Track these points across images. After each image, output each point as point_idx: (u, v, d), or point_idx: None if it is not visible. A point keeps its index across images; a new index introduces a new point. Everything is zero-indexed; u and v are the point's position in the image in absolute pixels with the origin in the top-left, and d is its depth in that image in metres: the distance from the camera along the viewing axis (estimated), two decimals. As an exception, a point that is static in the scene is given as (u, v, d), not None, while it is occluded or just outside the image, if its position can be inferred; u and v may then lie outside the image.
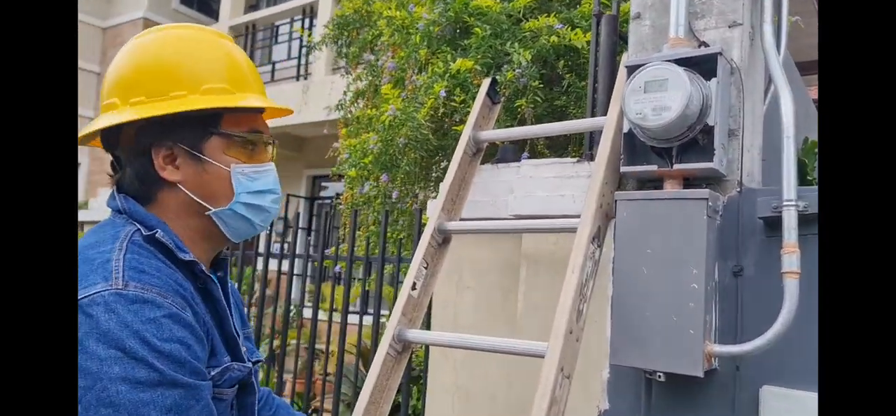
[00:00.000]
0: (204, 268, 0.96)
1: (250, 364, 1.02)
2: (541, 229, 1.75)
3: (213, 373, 0.92)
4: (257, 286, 3.32)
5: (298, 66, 9.09)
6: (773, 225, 1.44)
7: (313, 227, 9.72)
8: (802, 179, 2.80)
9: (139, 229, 0.92)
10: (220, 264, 1.08)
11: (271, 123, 1.14)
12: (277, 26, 9.79)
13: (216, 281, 1.00)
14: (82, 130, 0.96)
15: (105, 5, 11.56)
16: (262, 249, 3.19)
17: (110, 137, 0.97)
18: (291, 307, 5.08)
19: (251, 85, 1.01)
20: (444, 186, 1.91)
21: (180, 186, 0.97)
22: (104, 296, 0.80)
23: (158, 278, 0.86)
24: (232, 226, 1.03)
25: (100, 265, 0.84)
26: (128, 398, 0.77)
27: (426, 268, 1.85)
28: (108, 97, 0.95)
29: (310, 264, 3.14)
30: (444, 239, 1.89)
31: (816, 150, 2.91)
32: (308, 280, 4.51)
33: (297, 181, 9.96)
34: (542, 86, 2.25)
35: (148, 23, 11.02)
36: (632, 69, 1.57)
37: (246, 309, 1.29)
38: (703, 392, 1.51)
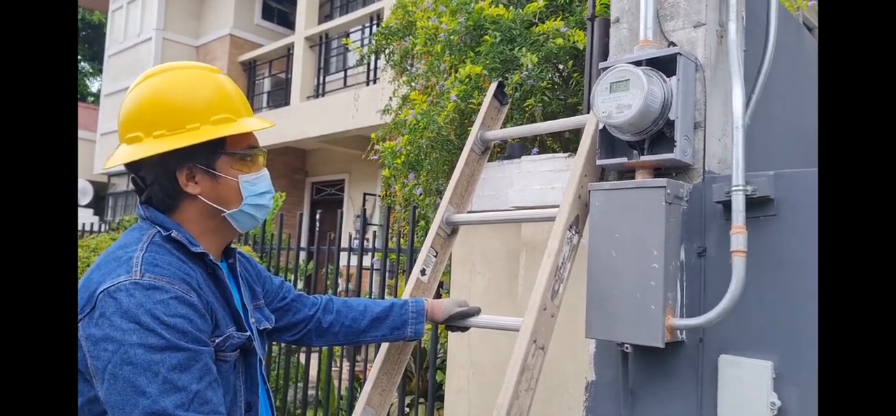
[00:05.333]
0: (213, 258, 1.24)
1: (249, 333, 1.28)
2: (527, 219, 1.94)
3: (216, 341, 1.18)
4: (341, 281, 3.65)
5: (368, 71, 9.55)
6: (730, 208, 1.57)
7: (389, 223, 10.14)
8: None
9: (159, 231, 1.21)
10: (229, 252, 1.36)
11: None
12: (349, 33, 10.29)
13: (223, 268, 1.29)
14: (114, 159, 1.25)
15: (195, 24, 12.54)
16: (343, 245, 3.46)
17: (135, 162, 1.24)
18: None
19: (242, 109, 1.29)
20: (452, 182, 2.14)
21: (200, 197, 1.25)
22: (126, 284, 1.08)
23: (168, 270, 1.13)
24: (241, 222, 1.31)
25: (124, 262, 1.12)
26: (143, 358, 1.04)
27: (435, 256, 2.08)
28: (130, 131, 1.22)
29: (379, 259, 3.40)
30: (452, 230, 2.11)
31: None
32: (387, 275, 4.81)
33: (372, 181, 10.43)
34: (549, 86, 2.42)
35: (234, 39, 11.86)
36: (603, 71, 1.73)
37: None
38: (672, 362, 1.66)
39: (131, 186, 1.32)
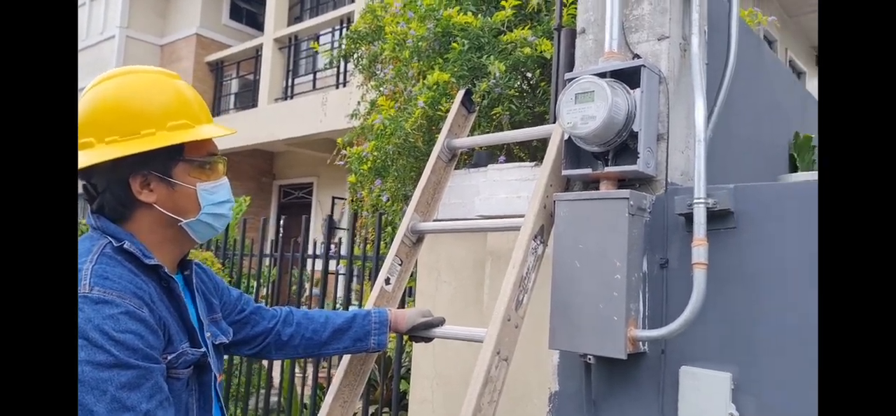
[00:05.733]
0: (167, 271, 1.20)
1: (204, 349, 1.24)
2: (493, 228, 1.93)
3: (169, 358, 1.14)
4: (307, 286, 3.60)
5: (337, 74, 9.48)
6: (692, 220, 1.58)
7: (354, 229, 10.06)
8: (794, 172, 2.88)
9: (111, 242, 1.16)
10: (185, 264, 1.32)
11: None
12: (319, 36, 10.20)
13: (179, 280, 1.25)
14: None
15: (161, 23, 12.27)
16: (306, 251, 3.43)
17: (86, 169, 1.18)
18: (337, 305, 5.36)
19: (201, 115, 1.25)
20: (418, 190, 2.12)
21: (155, 206, 1.20)
22: None
23: (119, 283, 1.09)
24: (198, 231, 1.27)
25: None
26: (91, 375, 1.00)
27: (400, 264, 2.06)
28: (82, 136, 1.16)
29: (345, 265, 3.38)
30: (417, 238, 2.09)
31: (811, 144, 2.97)
32: (354, 280, 4.77)
33: (342, 184, 10.33)
34: (517, 95, 2.42)
35: (201, 39, 11.64)
36: (569, 82, 1.73)
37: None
38: (635, 373, 1.66)
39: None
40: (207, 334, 1.31)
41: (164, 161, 1.20)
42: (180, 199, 1.22)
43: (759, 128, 2.48)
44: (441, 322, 1.77)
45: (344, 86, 8.85)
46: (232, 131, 1.30)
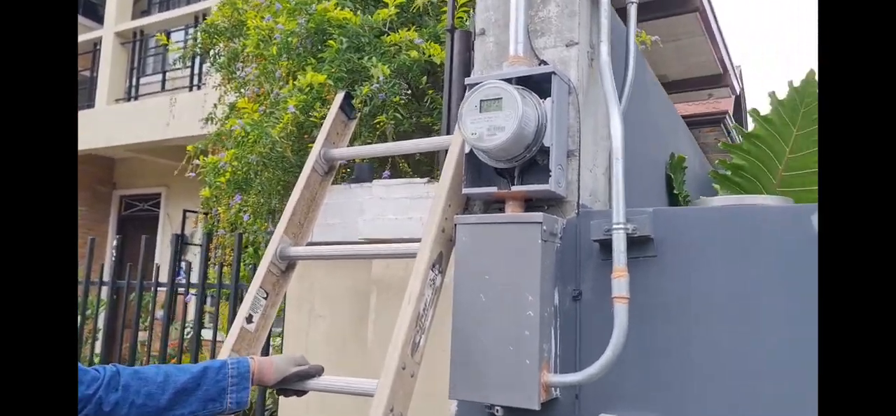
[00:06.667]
0: None
1: None
2: (382, 255, 1.65)
3: None
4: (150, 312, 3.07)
5: (191, 74, 8.64)
6: (608, 248, 1.41)
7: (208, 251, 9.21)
8: (670, 195, 2.88)
9: None
10: None
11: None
12: (170, 33, 9.26)
13: None
14: None
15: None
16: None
17: None
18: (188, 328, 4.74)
19: None
20: (289, 208, 1.78)
21: None
22: None
23: None
24: None
25: None
26: None
27: (266, 298, 1.70)
28: None
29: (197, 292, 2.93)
30: (287, 266, 1.75)
31: (683, 165, 3.02)
32: (209, 302, 4.25)
33: (195, 195, 9.43)
34: (403, 102, 2.17)
35: (23, 26, 10.13)
36: (471, 87, 1.51)
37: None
38: (545, 422, 1.46)
39: None
40: None
41: None
42: None
43: (645, 146, 2.44)
44: (319, 372, 1.45)
45: (199, 88, 8.07)
46: None
